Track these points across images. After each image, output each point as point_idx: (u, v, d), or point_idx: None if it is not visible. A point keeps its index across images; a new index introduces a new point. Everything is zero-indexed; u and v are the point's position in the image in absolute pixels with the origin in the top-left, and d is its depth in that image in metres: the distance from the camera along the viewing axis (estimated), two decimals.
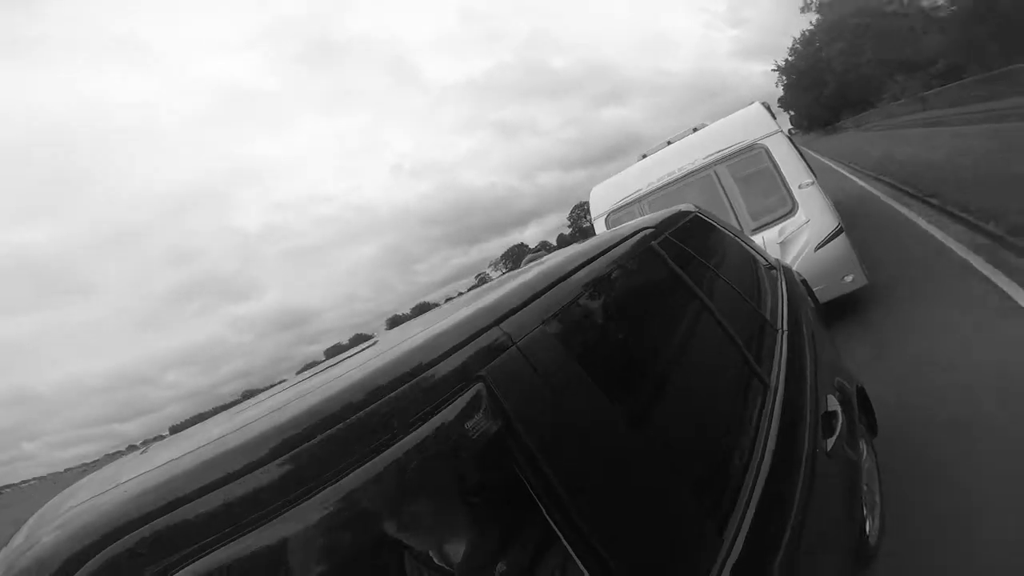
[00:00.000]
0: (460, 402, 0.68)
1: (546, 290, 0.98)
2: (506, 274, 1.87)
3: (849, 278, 3.95)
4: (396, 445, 0.60)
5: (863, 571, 1.54)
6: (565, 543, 0.71)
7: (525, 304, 0.91)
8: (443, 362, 0.71)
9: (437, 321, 0.93)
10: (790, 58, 42.28)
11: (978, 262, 4.23)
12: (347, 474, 0.57)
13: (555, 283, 1.02)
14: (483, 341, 0.78)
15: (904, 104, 24.03)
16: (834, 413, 1.52)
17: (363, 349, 1.03)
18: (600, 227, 5.25)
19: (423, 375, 0.68)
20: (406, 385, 0.65)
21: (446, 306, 1.59)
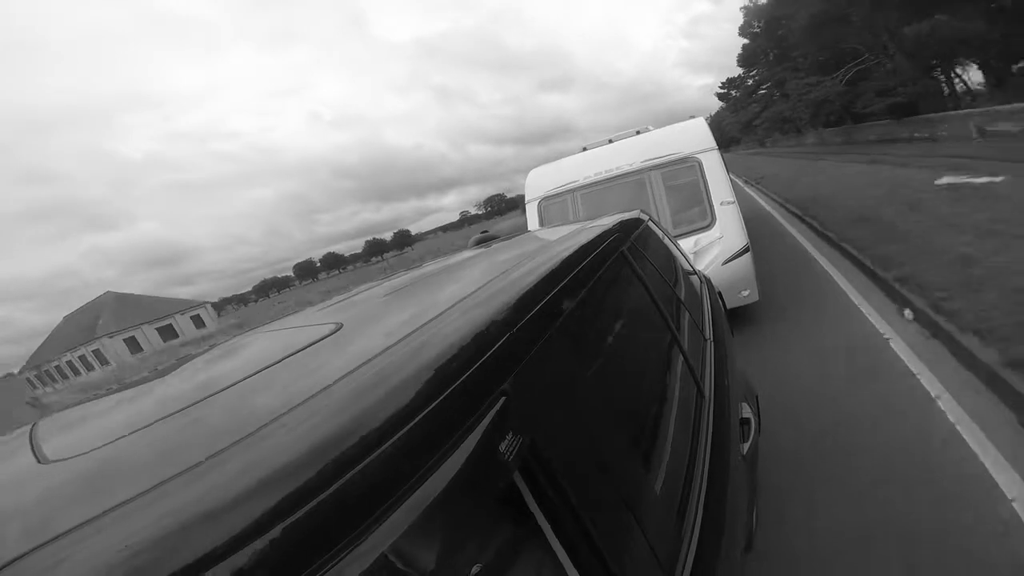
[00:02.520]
0: (489, 415, 0.65)
1: (543, 297, 0.97)
2: (473, 254, 1.81)
3: (745, 293, 4.41)
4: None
5: (748, 555, 1.79)
6: (561, 547, 0.73)
7: (531, 309, 0.89)
8: (472, 371, 0.67)
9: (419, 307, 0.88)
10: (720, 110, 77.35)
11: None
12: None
13: (549, 291, 1.01)
14: (503, 349, 0.75)
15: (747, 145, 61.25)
16: (748, 420, 1.72)
17: (326, 336, 0.93)
18: (532, 211, 5.27)
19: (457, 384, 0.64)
20: (440, 398, 0.61)
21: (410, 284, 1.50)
